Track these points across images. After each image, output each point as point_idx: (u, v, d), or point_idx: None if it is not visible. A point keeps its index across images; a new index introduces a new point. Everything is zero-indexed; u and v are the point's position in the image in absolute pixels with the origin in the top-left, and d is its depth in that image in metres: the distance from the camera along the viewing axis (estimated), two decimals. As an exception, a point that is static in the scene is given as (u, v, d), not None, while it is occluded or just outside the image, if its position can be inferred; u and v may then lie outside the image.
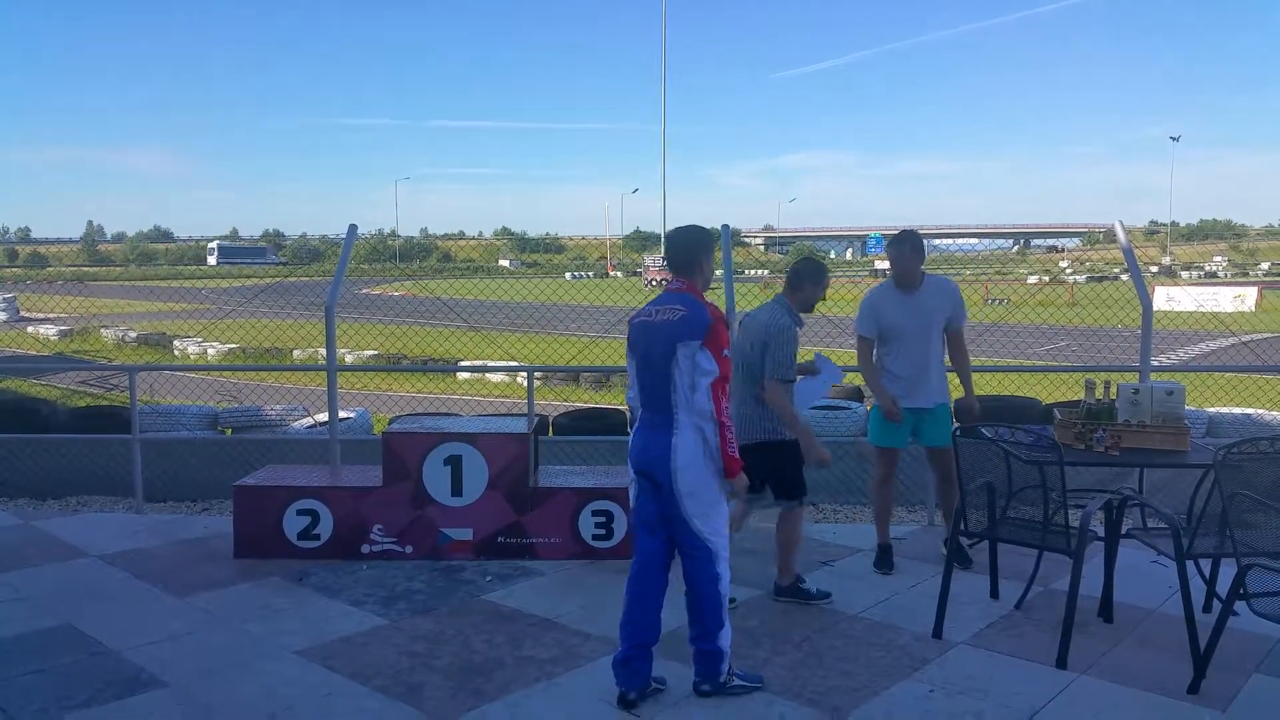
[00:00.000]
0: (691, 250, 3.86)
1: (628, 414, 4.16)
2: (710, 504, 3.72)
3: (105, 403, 12.85)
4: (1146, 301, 6.55)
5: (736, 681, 3.93)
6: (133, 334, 23.51)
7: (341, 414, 8.03)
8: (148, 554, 5.80)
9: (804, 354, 5.00)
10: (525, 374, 7.23)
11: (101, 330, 24.62)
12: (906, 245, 5.34)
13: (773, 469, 4.76)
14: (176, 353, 21.53)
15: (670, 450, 3.66)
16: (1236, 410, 8.57)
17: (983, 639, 4.50)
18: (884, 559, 5.47)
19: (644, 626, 3.77)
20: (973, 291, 31.32)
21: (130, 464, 7.02)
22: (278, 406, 8.95)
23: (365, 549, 5.66)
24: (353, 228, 7.42)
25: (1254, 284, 43.39)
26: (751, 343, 4.72)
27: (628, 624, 3.78)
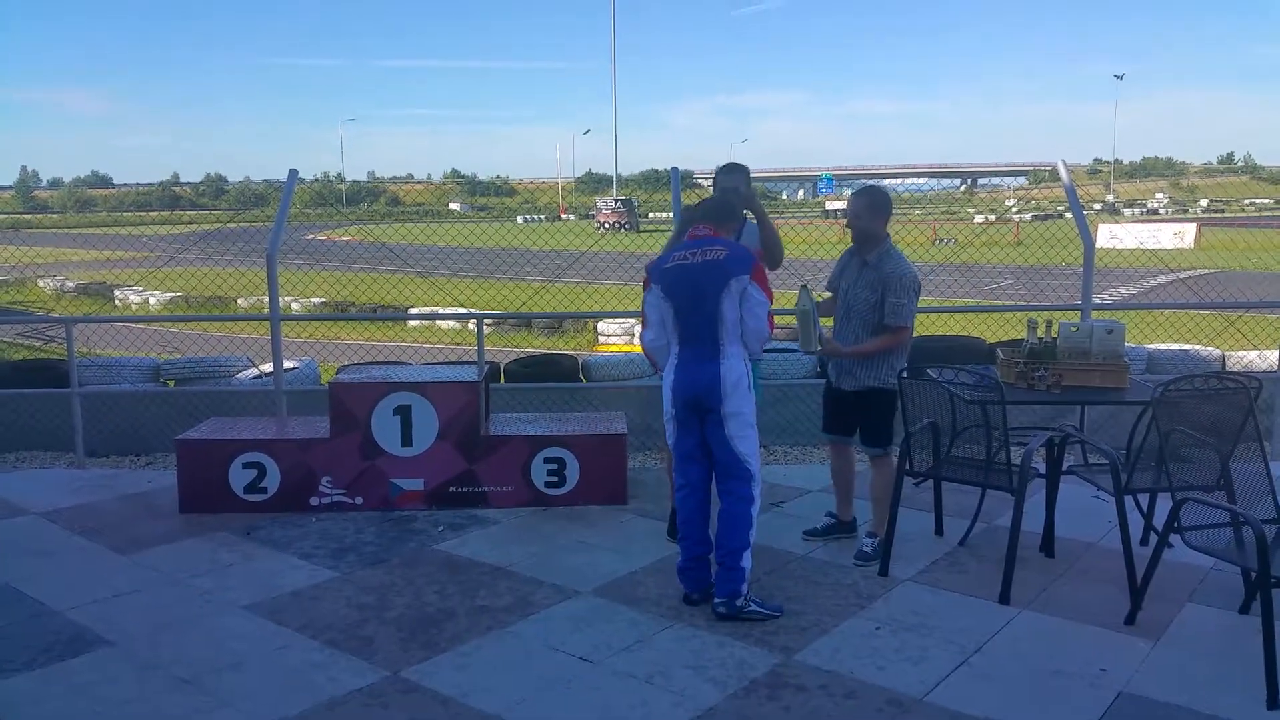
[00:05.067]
0: (730, 208, 4.33)
1: (650, 360, 4.45)
2: (750, 427, 4.08)
3: (43, 355, 12.47)
4: (1088, 241, 6.61)
5: (754, 607, 4.09)
6: (71, 284, 22.77)
7: (288, 364, 7.86)
8: (90, 510, 5.66)
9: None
10: (475, 322, 7.11)
11: (39, 280, 23.81)
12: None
13: (869, 415, 4.78)
14: (117, 303, 20.93)
15: (719, 377, 4.01)
16: (1175, 346, 8.77)
17: (928, 576, 4.58)
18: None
19: (696, 541, 4.20)
20: (921, 232, 31.51)
21: (70, 418, 6.83)
22: (222, 357, 8.74)
23: (314, 501, 5.58)
24: (293, 173, 7.21)
25: (1193, 220, 44.30)
26: (866, 288, 4.66)
27: (684, 539, 4.23)
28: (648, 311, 4.26)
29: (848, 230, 4.79)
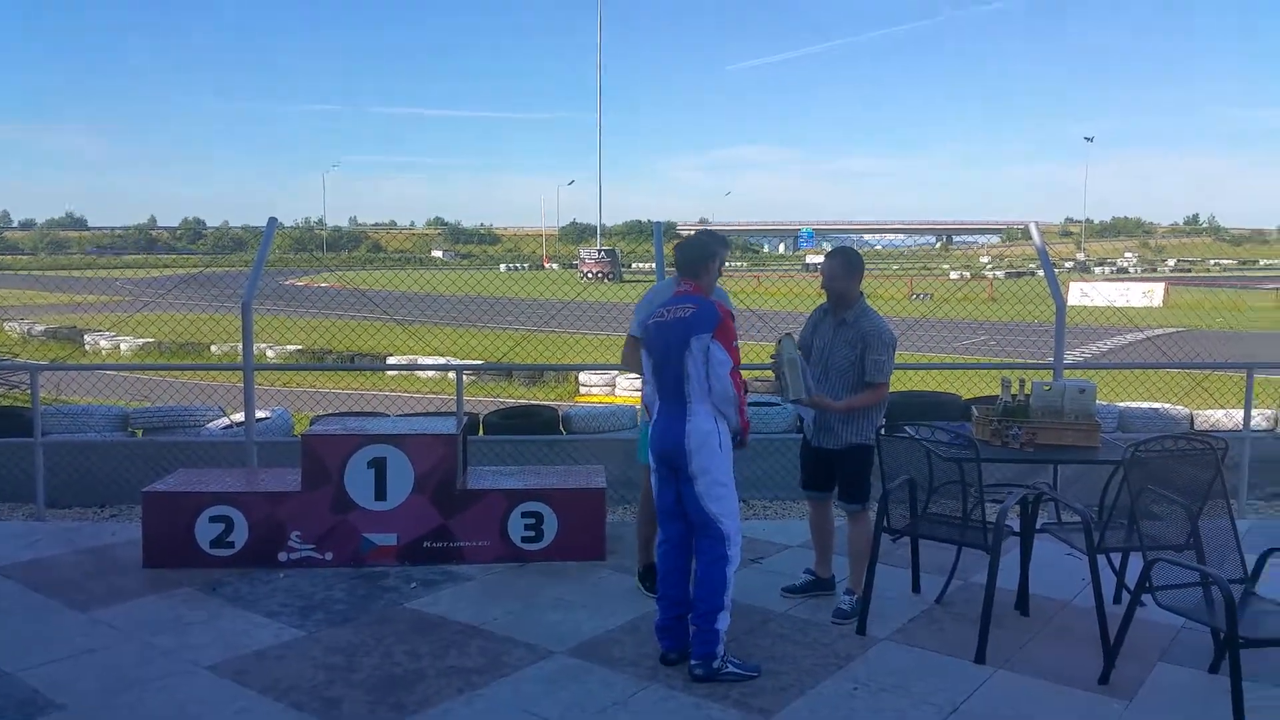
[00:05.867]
0: (699, 256, 4.26)
1: (643, 412, 4.52)
2: (722, 486, 4.05)
3: (7, 403, 12.26)
4: (1060, 303, 6.72)
5: (731, 668, 4.05)
6: (40, 328, 22.52)
7: (260, 413, 7.78)
8: (48, 564, 5.53)
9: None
10: (455, 373, 7.09)
11: (5, 324, 23.53)
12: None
13: (847, 471, 4.79)
14: (88, 347, 20.69)
15: (685, 434, 4.02)
16: (1145, 405, 8.87)
17: (905, 634, 4.55)
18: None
19: (674, 600, 4.18)
20: (898, 287, 31.89)
21: (32, 469, 6.69)
22: (192, 406, 8.64)
23: (282, 557, 5.49)
24: (272, 220, 7.21)
25: (1161, 279, 45.26)
26: (845, 346, 4.70)
27: (662, 598, 4.21)
28: (643, 367, 4.33)
29: (824, 291, 4.84)
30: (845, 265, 4.78)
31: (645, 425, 4.49)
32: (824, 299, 4.92)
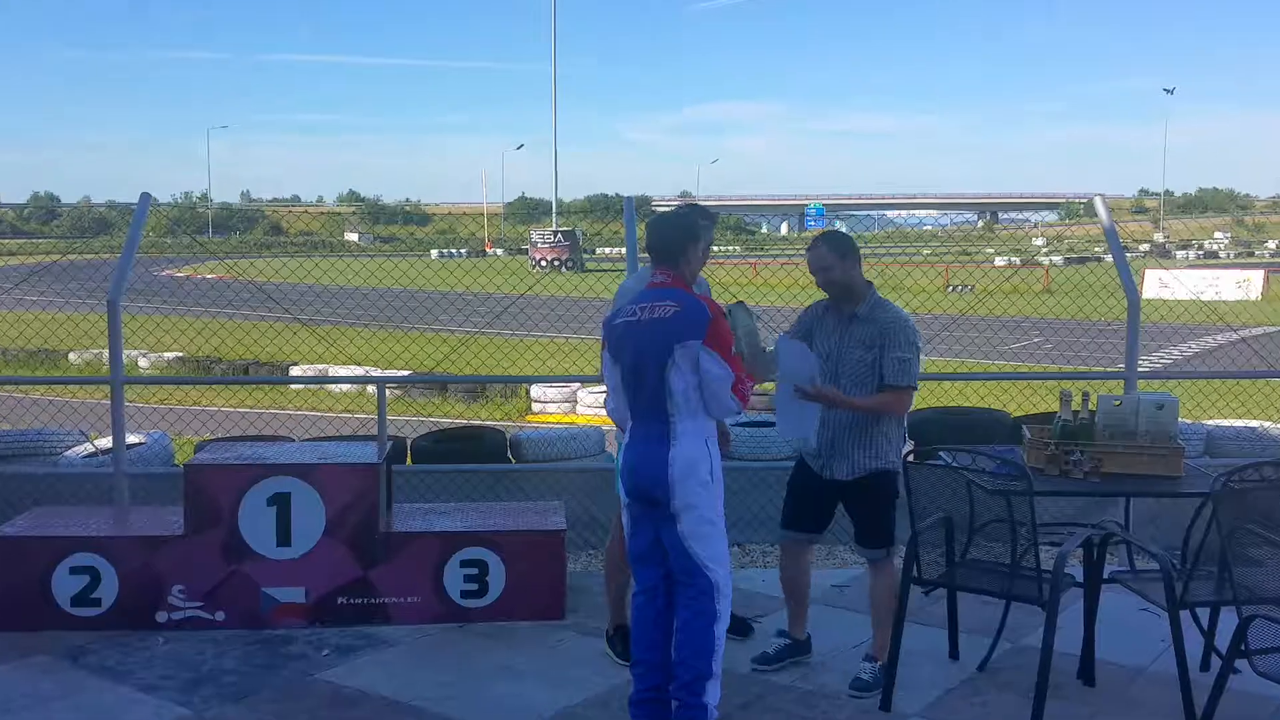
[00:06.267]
0: (677, 238, 4.23)
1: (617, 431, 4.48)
2: (711, 526, 4.10)
3: None
4: (1133, 296, 6.81)
5: None
6: None
7: (132, 438, 7.74)
8: None
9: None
10: (375, 386, 7.10)
11: None
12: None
13: (867, 507, 4.81)
14: (-88, 356, 20.44)
15: (667, 463, 4.04)
16: (1239, 423, 8.96)
17: (940, 709, 4.60)
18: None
19: (652, 665, 4.16)
20: (930, 278, 32.15)
21: None
22: (47, 430, 8.57)
23: (162, 617, 5.49)
24: (145, 197, 7.21)
25: (1260, 266, 45.37)
26: (858, 346, 4.72)
27: (638, 664, 4.21)
28: (605, 376, 4.34)
29: (827, 285, 4.79)
30: (837, 249, 4.78)
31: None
32: (819, 295, 4.95)
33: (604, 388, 4.39)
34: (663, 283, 4.21)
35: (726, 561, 4.16)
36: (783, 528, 5.07)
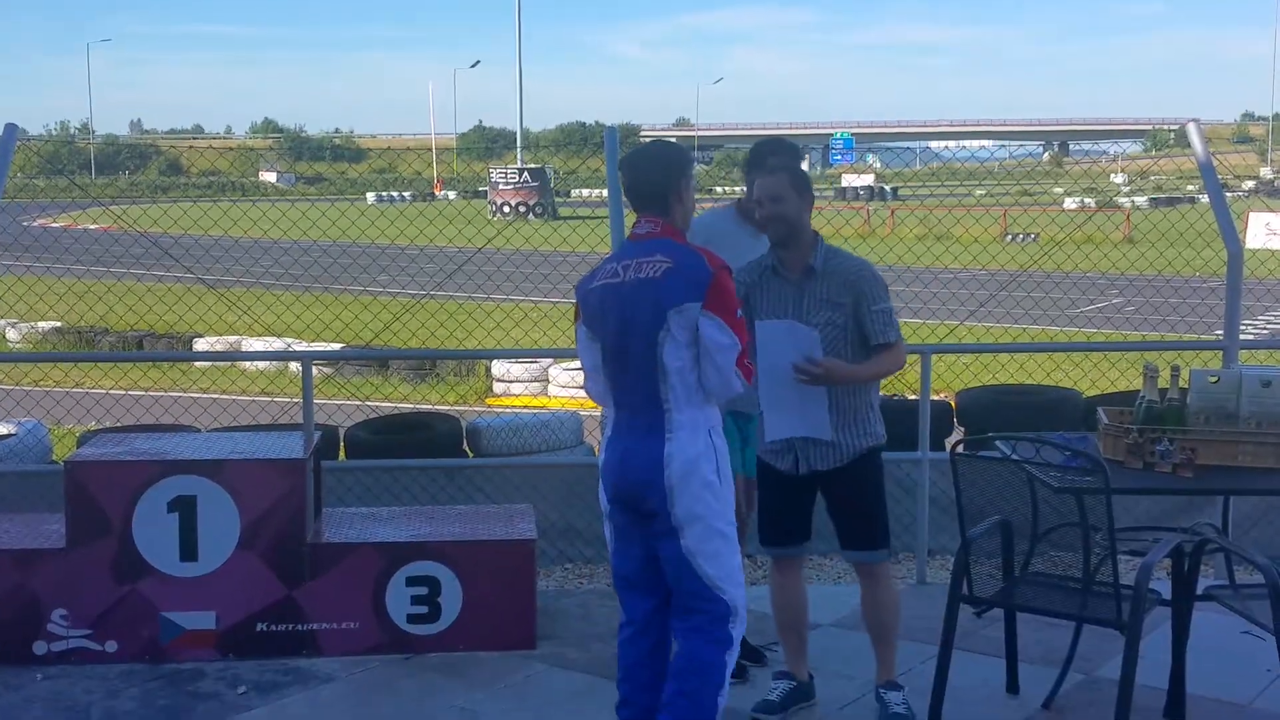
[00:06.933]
0: (663, 176, 4.16)
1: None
2: (722, 539, 4.06)
3: None
4: (1234, 246, 6.81)
5: None
6: None
7: (-2, 429, 7.73)
8: None
9: None
10: (300, 364, 7.09)
11: None
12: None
13: (857, 499, 4.83)
14: None
15: (663, 462, 3.98)
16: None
17: (997, 757, 4.64)
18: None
19: (642, 711, 4.14)
20: (984, 225, 32.11)
21: None
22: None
23: (41, 648, 5.50)
24: (11, 128, 7.18)
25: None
26: (823, 306, 4.71)
27: (623, 705, 4.21)
28: (581, 355, 4.30)
29: (774, 224, 4.74)
30: (796, 180, 4.77)
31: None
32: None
33: (580, 366, 4.37)
34: (649, 233, 4.15)
35: (741, 579, 4.15)
36: (767, 545, 5.08)
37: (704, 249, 4.15)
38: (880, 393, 5.19)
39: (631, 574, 4.19)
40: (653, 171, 4.20)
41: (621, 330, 4.05)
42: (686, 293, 3.96)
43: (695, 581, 4.05)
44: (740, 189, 5.90)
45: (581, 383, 4.46)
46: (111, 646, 5.52)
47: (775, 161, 4.95)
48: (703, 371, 3.99)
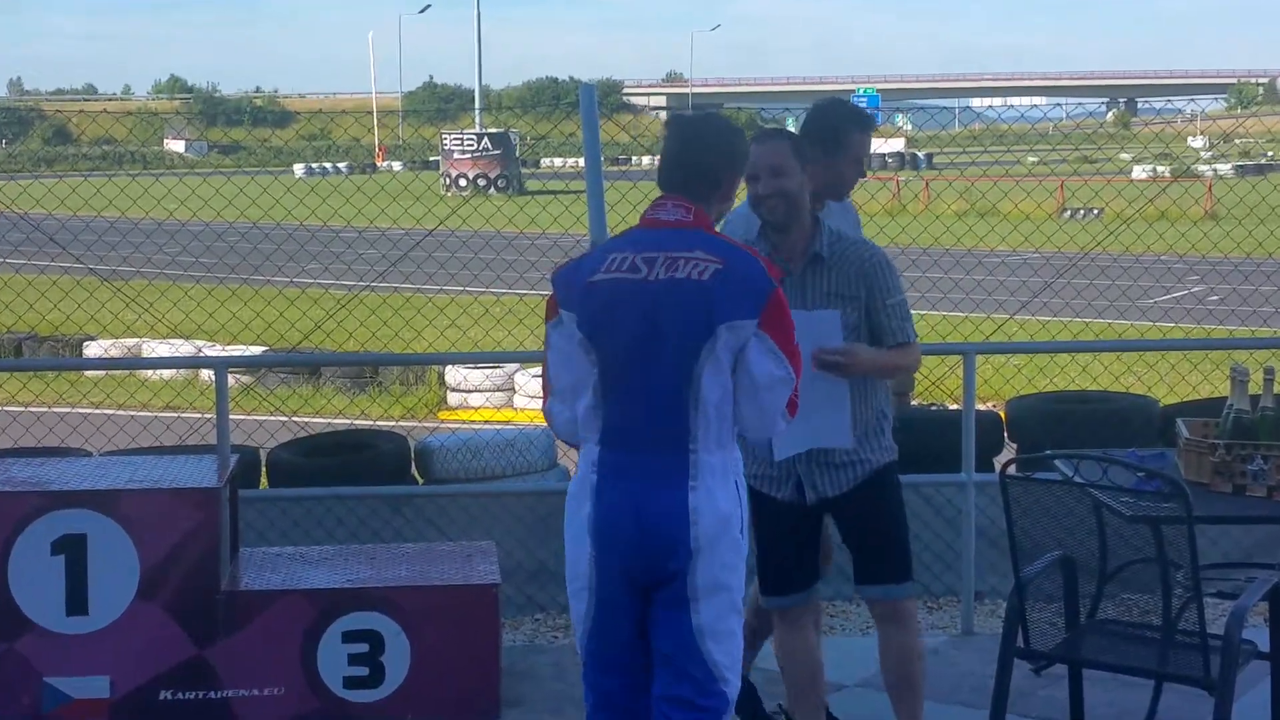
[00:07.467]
0: (727, 157, 4.01)
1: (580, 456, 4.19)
2: (735, 613, 3.94)
3: None
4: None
5: None
6: None
7: None
8: None
9: None
10: (213, 372, 7.07)
11: None
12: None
13: (879, 525, 4.83)
14: None
15: (687, 517, 3.77)
16: None
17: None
18: None
19: None
20: (1037, 197, 32.23)
21: None
22: None
23: (-106, 721, 5.48)
24: None
25: None
26: (829, 296, 4.71)
27: None
28: (553, 363, 4.05)
29: (775, 201, 4.68)
30: (799, 151, 4.72)
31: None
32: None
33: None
34: (680, 220, 3.92)
35: (739, 662, 4.05)
36: (771, 595, 4.98)
37: (757, 251, 4.06)
38: (915, 402, 5.19)
39: (616, 656, 4.00)
40: (715, 148, 4.02)
41: (642, 342, 3.82)
42: (741, 305, 3.76)
43: (699, 668, 3.87)
44: None
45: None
46: (-17, 718, 5.50)
47: (765, 142, 4.77)
48: (739, 407, 3.83)
